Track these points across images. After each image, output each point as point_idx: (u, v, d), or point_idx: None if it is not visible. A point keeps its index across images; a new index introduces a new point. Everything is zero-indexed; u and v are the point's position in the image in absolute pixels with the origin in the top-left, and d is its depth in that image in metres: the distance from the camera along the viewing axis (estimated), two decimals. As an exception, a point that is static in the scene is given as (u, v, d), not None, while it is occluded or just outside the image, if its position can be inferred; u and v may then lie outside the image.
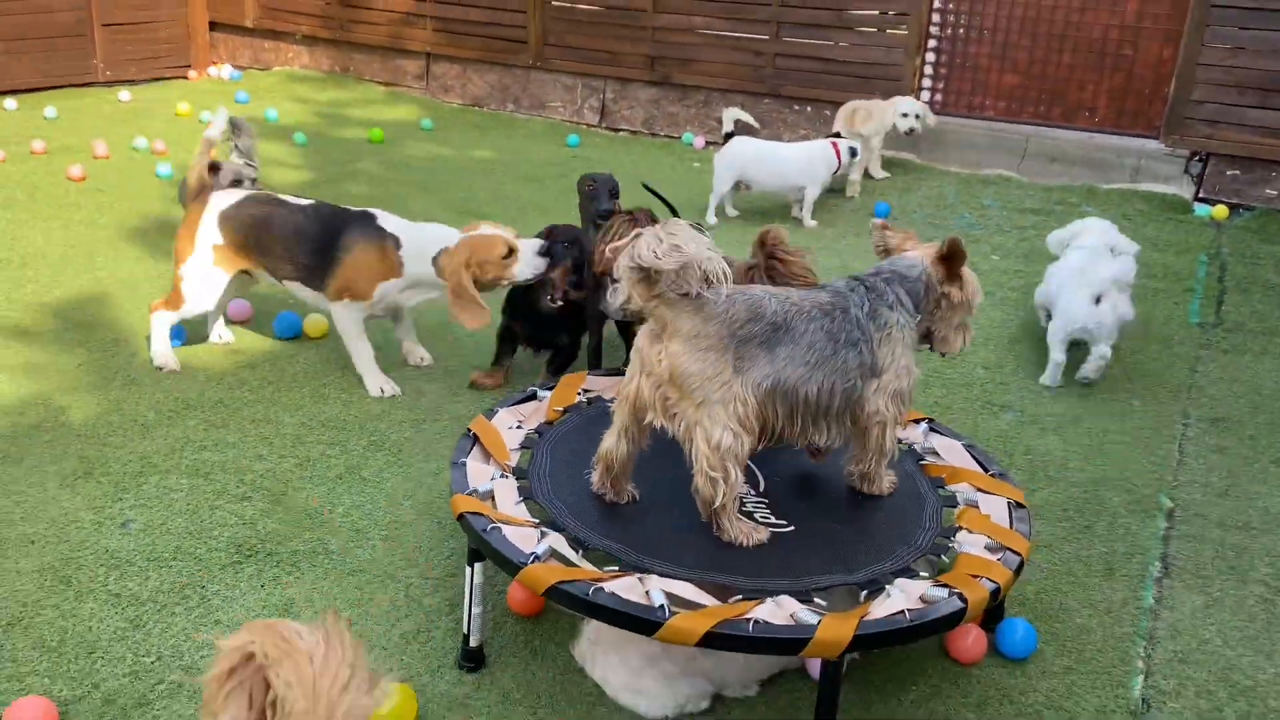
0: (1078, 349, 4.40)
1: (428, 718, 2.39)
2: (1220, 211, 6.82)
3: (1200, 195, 7.07)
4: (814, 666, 2.46)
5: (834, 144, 6.39)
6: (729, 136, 6.40)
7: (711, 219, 6.40)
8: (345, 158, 7.44)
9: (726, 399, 2.39)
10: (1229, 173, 7.02)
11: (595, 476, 2.67)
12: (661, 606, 2.15)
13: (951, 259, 2.59)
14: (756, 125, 7.16)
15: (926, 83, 7.94)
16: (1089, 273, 4.32)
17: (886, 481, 2.76)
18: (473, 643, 2.53)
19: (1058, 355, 4.30)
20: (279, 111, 8.68)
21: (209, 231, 3.85)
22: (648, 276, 2.36)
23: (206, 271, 3.89)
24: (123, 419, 3.60)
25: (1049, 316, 4.49)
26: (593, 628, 2.52)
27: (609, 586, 2.22)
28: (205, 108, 8.62)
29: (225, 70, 10.50)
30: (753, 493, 2.73)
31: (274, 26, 10.49)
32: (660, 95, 8.73)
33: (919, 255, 2.66)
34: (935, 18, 7.76)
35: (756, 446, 2.49)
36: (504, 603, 2.74)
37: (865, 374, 2.52)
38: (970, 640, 2.64)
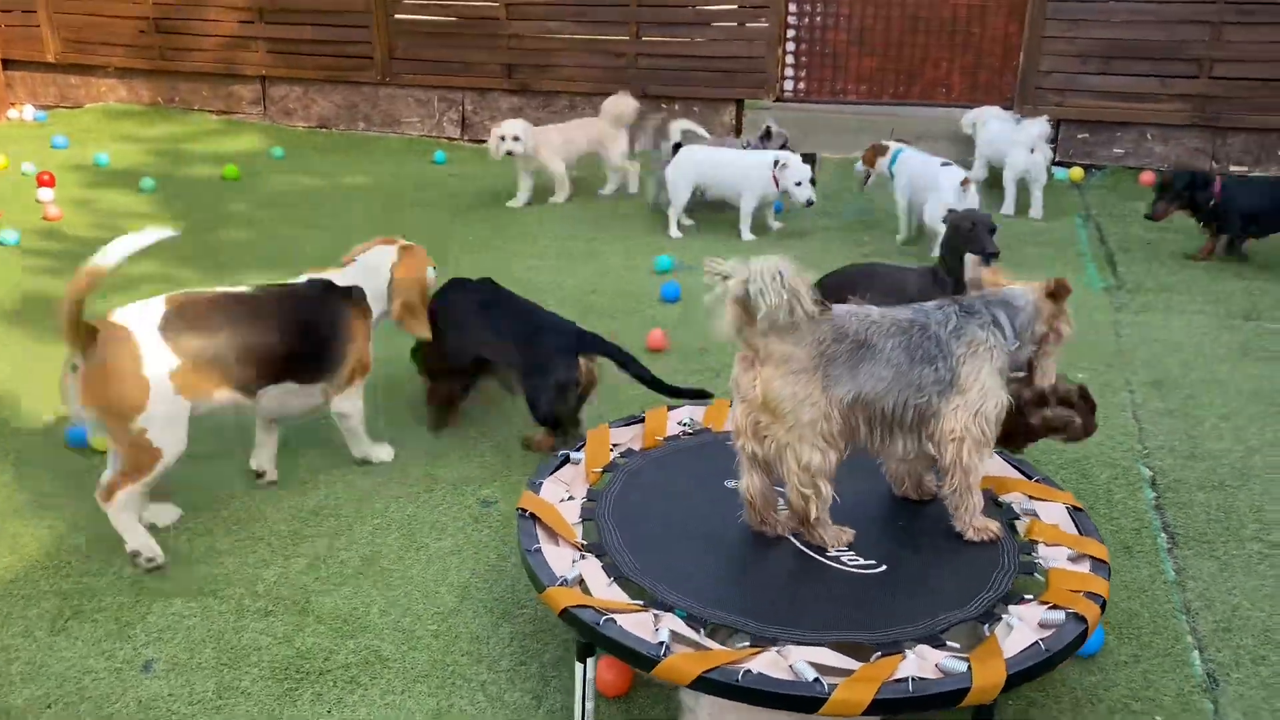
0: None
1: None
2: (1076, 173, 7.29)
3: (1057, 160, 7.53)
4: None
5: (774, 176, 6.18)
6: (677, 148, 6.33)
7: (675, 233, 6.30)
8: (207, 201, 6.93)
9: (815, 418, 2.49)
10: (1079, 136, 7.51)
11: (745, 514, 2.70)
12: (816, 680, 2.11)
13: (1057, 294, 2.68)
14: (706, 135, 7.01)
15: (789, 72, 8.11)
16: (1019, 134, 6.53)
17: (978, 523, 2.69)
18: (588, 739, 2.42)
19: (1011, 191, 6.60)
20: (110, 154, 7.99)
21: None
22: (748, 305, 2.42)
23: None
24: (86, 541, 3.23)
25: (986, 165, 7.03)
26: (704, 706, 2.44)
27: (754, 667, 2.15)
28: (23, 156, 7.85)
29: (28, 112, 9.61)
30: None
31: (81, 60, 9.64)
32: (523, 103, 8.55)
33: (1026, 288, 2.72)
34: (793, 8, 7.92)
35: (843, 455, 2.59)
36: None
37: (943, 390, 2.55)
38: (1049, 645, 2.72)
